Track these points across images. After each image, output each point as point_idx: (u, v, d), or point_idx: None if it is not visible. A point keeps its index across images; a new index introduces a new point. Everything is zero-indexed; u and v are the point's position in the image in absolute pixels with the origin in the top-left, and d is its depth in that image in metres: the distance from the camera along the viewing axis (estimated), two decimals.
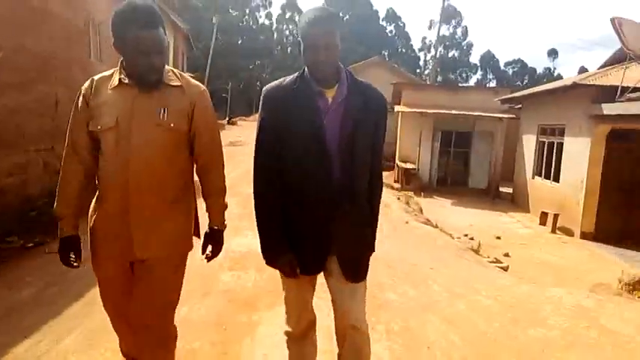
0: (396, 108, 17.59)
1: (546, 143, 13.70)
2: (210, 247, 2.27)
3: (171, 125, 2.05)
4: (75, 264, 2.13)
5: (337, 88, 2.06)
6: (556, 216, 12.10)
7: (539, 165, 14.16)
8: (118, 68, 2.09)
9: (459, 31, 68.71)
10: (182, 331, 2.46)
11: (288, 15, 63.44)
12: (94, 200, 2.14)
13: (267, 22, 63.50)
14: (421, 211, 11.11)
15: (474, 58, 73.18)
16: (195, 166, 2.24)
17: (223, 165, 2.29)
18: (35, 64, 6.67)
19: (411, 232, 7.41)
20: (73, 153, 2.10)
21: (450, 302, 4.10)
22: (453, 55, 69.76)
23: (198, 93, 2.17)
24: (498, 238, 10.90)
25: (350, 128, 2.05)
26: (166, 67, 2.12)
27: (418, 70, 64.52)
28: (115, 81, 2.06)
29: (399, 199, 11.75)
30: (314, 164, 2.04)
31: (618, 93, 10.03)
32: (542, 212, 12.76)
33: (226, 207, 2.31)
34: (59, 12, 7.55)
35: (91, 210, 2.15)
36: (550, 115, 13.44)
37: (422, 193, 15.74)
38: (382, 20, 67.78)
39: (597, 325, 3.74)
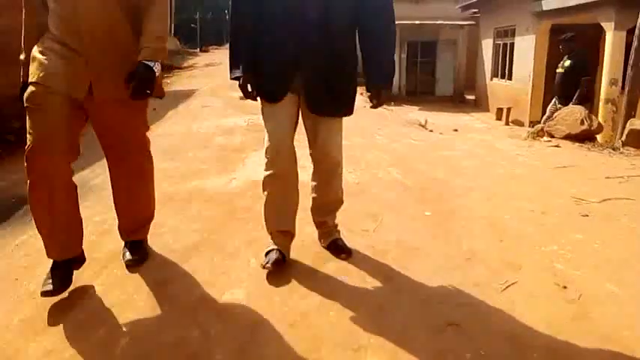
0: None
1: (501, 45, 14.82)
2: (134, 82, 2.07)
3: None
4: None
5: None
6: (508, 110, 13.45)
7: (495, 67, 15.33)
8: None
9: None
10: (193, 162, 3.80)
11: None
12: (41, 43, 2.11)
13: None
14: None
15: None
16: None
17: (165, 4, 2.23)
18: None
19: (367, 112, 8.79)
20: (26, 5, 2.18)
21: (388, 143, 5.51)
22: None
23: None
24: (455, 130, 12.27)
25: None
26: None
27: None
28: None
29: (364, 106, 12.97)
30: None
31: None
32: (498, 108, 14.09)
33: (163, 49, 2.18)
34: None
35: (39, 44, 2.11)
36: (503, 18, 14.45)
37: (392, 103, 16.94)
38: None
39: (491, 147, 5.19)
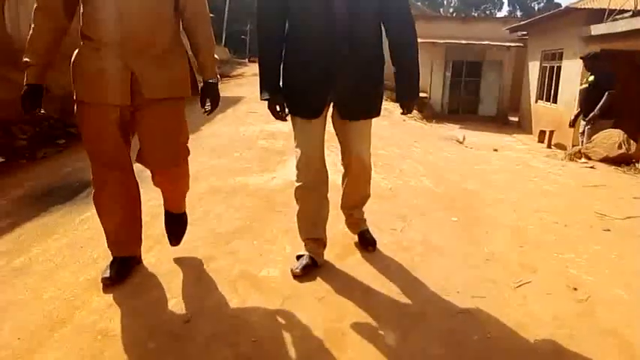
0: None
1: (548, 68, 14.72)
2: (208, 101, 2.36)
3: None
4: (36, 110, 2.14)
5: None
6: (551, 133, 13.33)
7: (541, 89, 15.22)
8: None
9: None
10: (239, 161, 4.12)
11: None
12: (79, 53, 2.13)
13: None
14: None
15: None
16: (181, 23, 2.29)
17: (209, 20, 2.34)
18: None
19: (406, 126, 9.03)
20: (44, 7, 2.07)
21: (423, 155, 5.71)
22: None
23: None
24: (495, 150, 12.28)
25: None
26: None
27: (442, 9, 63.61)
28: None
29: (404, 120, 13.16)
30: (317, 6, 2.17)
31: (606, 15, 11.03)
32: (541, 131, 13.98)
33: (217, 61, 2.38)
34: None
35: (78, 62, 2.13)
36: (551, 41, 14.38)
37: (433, 120, 17.04)
38: None
39: (526, 164, 5.31)
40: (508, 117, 18.27)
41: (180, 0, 2.20)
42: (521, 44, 17.33)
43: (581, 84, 7.17)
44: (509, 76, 18.13)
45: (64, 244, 2.81)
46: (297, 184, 2.44)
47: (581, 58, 7.58)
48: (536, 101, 15.62)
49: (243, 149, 5.56)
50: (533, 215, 3.53)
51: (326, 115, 2.39)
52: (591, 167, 5.48)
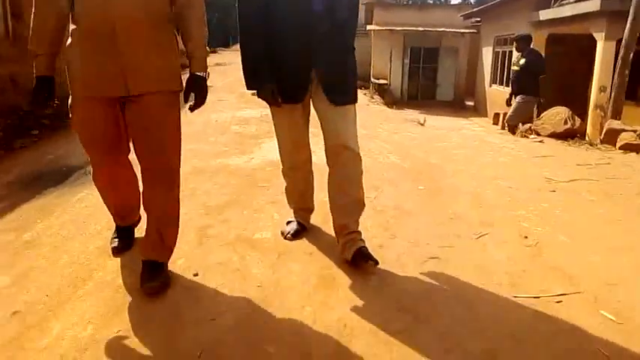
0: (368, 27, 19.02)
1: (500, 53, 15.40)
2: (193, 95, 2.19)
3: None
4: (49, 103, 2.10)
5: None
6: (505, 114, 14.00)
7: (495, 73, 15.89)
8: None
9: None
10: (216, 145, 4.35)
11: None
12: (70, 41, 2.06)
13: None
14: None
15: None
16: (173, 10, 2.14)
17: (203, 5, 2.19)
18: None
19: (370, 110, 9.44)
20: None
21: (388, 135, 6.10)
22: None
23: None
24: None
25: None
26: None
27: None
28: None
29: (367, 104, 13.57)
30: None
31: (553, 0, 11.66)
32: (495, 113, 14.61)
33: (207, 54, 2.25)
34: None
35: (69, 51, 2.06)
36: (503, 27, 15.02)
37: (393, 106, 17.54)
38: None
39: (482, 140, 5.76)
40: (465, 101, 18.96)
41: None
42: (475, 30, 17.99)
43: (513, 65, 7.75)
44: (464, 61, 18.80)
45: (67, 220, 3.02)
46: (283, 167, 2.62)
47: (512, 40, 8.13)
48: (490, 85, 16.28)
49: (218, 135, 5.80)
50: (491, 182, 3.95)
51: (309, 102, 2.42)
52: (540, 142, 5.99)
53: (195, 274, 2.33)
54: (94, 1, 1.94)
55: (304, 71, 2.28)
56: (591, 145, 5.80)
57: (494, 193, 3.66)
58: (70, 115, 2.16)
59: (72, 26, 2.04)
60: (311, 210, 2.86)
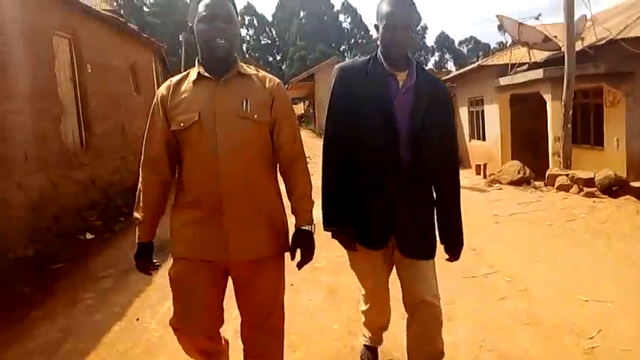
0: None
1: (474, 112, 17.65)
2: (299, 252, 1.98)
3: (255, 117, 1.92)
4: (149, 267, 2.07)
5: (407, 74, 2.13)
6: (485, 165, 15.89)
7: (472, 129, 18.04)
8: (195, 67, 1.99)
9: None
10: None
11: (247, 19, 63.91)
12: (175, 205, 2.02)
13: None
14: None
15: (430, 41, 76.81)
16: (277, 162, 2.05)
17: (306, 159, 2.09)
18: (109, 101, 9.26)
19: None
20: (150, 164, 2.01)
21: None
22: None
23: (276, 84, 2.04)
24: None
25: (420, 114, 2.08)
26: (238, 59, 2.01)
27: None
28: (194, 75, 1.96)
29: None
30: (384, 143, 2.08)
31: (509, 68, 13.97)
32: (477, 165, 16.61)
33: (313, 205, 2.03)
34: (116, 64, 10.10)
35: (174, 217, 2.00)
36: (474, 90, 17.28)
37: None
38: (339, 14, 67.74)
39: None
40: None
41: (278, 138, 2.00)
42: (452, 94, 20.24)
43: None
44: None
45: None
46: (364, 307, 2.56)
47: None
48: (469, 140, 18.35)
49: None
50: None
51: (392, 251, 2.23)
52: (499, 189, 8.00)
53: None
54: (205, 174, 1.90)
55: (389, 219, 2.15)
56: (535, 188, 7.79)
57: None
58: (170, 279, 2.03)
59: (177, 191, 2.03)
60: (385, 329, 2.70)
